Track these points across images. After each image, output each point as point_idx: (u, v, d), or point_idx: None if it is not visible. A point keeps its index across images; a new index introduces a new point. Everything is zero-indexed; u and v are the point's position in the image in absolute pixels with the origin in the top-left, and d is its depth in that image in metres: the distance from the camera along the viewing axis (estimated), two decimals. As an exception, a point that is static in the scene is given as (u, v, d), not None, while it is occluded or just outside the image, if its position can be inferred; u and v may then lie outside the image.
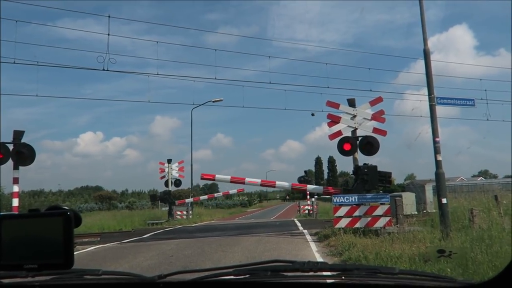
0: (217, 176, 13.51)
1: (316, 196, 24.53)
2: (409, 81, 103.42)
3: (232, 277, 1.53)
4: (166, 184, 26.88)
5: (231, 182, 13.51)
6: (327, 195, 13.37)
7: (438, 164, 10.15)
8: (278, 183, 13.46)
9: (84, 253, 11.21)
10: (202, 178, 13.73)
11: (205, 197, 30.13)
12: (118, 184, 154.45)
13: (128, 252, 11.00)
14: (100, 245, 13.05)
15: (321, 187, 13.73)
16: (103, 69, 14.01)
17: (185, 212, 26.69)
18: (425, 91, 11.14)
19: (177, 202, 27.23)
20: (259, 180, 13.51)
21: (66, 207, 1.31)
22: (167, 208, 26.77)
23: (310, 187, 14.14)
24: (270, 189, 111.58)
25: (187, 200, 28.37)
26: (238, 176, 13.48)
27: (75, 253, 1.32)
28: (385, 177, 12.12)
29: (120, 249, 12.07)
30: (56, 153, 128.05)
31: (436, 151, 10.17)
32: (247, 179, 13.47)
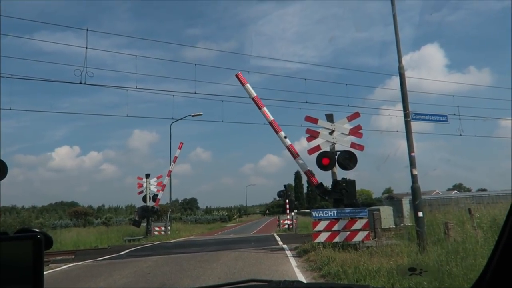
0: (247, 85, 14.10)
1: (296, 211, 24.53)
2: (385, 97, 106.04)
3: None
4: (144, 199, 26.44)
5: (253, 99, 14.01)
6: (307, 175, 13.47)
7: (414, 178, 10.37)
8: (282, 132, 13.79)
9: (57, 272, 10.83)
10: (236, 76, 14.10)
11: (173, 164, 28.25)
12: (94, 200, 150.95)
13: (104, 270, 10.70)
14: (75, 263, 12.66)
15: (307, 167, 13.77)
16: (80, 83, 13.84)
17: (163, 228, 26.24)
18: (400, 106, 11.45)
19: (155, 203, 26.50)
20: (271, 118, 13.87)
21: (36, 229, 1.27)
22: (145, 224, 26.26)
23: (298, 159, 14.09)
24: (249, 204, 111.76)
25: (158, 194, 27.24)
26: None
27: (48, 272, 1.28)
28: (357, 206, 12.43)
29: (95, 267, 11.73)
30: (30, 168, 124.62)
31: (412, 165, 10.41)
32: (264, 108, 13.96)
